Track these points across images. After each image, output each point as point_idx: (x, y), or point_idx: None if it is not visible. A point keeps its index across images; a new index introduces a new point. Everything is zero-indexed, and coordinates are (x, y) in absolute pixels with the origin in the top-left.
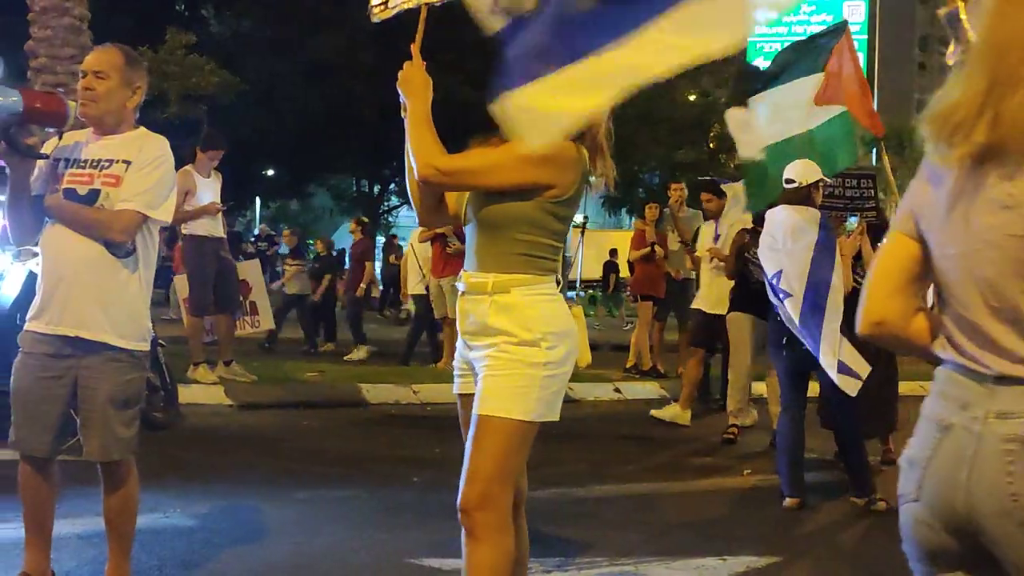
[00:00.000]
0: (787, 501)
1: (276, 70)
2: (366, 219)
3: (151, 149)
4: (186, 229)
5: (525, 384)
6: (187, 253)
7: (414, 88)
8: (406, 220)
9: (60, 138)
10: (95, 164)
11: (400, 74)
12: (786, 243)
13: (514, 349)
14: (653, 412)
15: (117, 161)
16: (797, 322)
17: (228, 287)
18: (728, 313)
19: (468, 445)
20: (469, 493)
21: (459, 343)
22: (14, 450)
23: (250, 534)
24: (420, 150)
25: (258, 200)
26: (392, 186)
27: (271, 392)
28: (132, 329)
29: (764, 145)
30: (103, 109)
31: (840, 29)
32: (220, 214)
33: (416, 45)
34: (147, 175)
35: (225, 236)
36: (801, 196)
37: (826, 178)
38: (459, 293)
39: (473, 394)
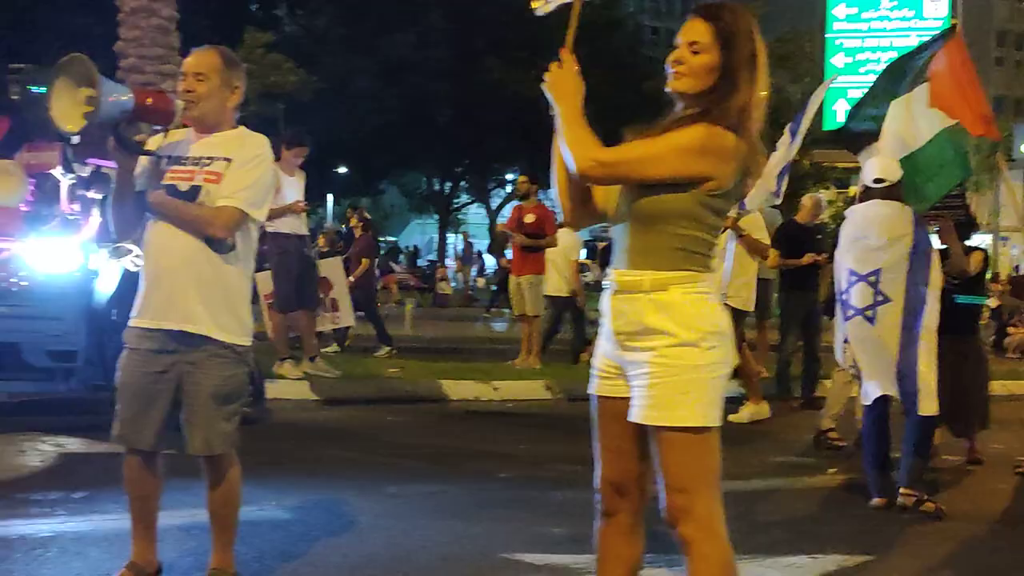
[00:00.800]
0: (874, 501)
1: (350, 68)
2: (368, 214)
3: (252, 147)
4: (270, 227)
5: (692, 389)
6: (271, 250)
7: (564, 91)
8: (475, 218)
9: (165, 135)
10: (196, 161)
11: (548, 76)
12: (881, 240)
13: (675, 352)
14: (732, 418)
15: (218, 159)
16: (895, 326)
17: (310, 284)
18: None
19: (616, 450)
20: (669, 506)
21: (605, 343)
22: (119, 444)
23: (345, 527)
24: (577, 145)
25: (330, 197)
26: (463, 183)
27: (354, 388)
28: (234, 324)
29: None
30: (204, 109)
31: (944, 35)
32: (304, 212)
33: (568, 44)
34: (248, 173)
35: (308, 234)
36: (894, 194)
37: None
38: (610, 291)
39: (615, 397)
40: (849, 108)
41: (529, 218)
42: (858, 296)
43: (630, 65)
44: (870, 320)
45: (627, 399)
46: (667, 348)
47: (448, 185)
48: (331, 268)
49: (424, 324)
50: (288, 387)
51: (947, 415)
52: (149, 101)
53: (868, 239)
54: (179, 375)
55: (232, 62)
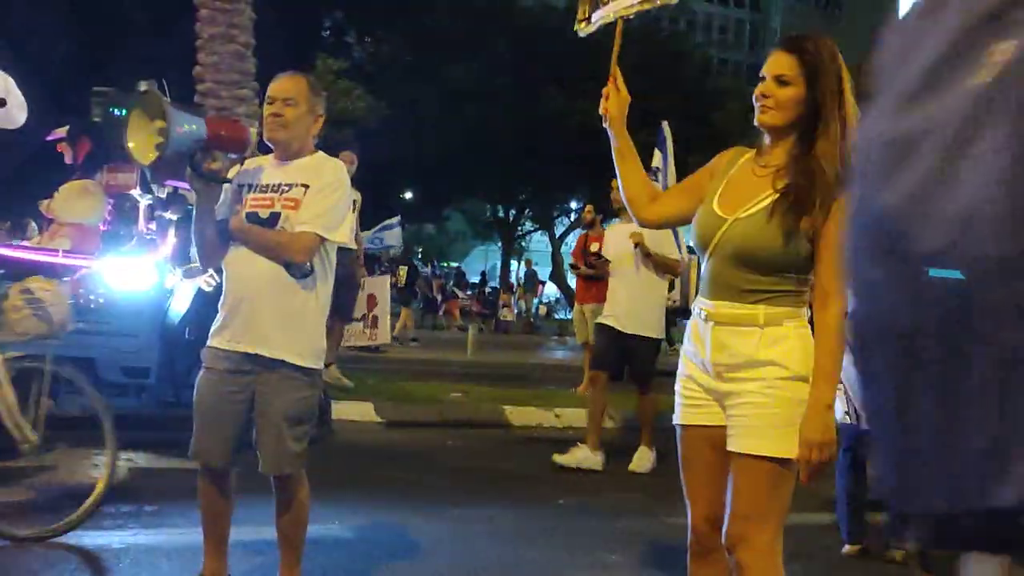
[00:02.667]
0: (846, 548)
1: (415, 95)
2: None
3: (329, 173)
4: None
5: (795, 422)
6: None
7: (614, 116)
8: (539, 245)
9: (242, 164)
10: (276, 188)
11: (603, 102)
12: None
13: (786, 384)
14: (556, 458)
15: (296, 185)
16: None
17: (347, 296)
18: None
19: (695, 479)
20: (732, 532)
21: (695, 372)
22: (194, 460)
23: (407, 547)
24: (624, 196)
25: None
26: (527, 211)
27: (417, 411)
28: (308, 348)
29: None
30: (291, 135)
31: None
32: (355, 229)
33: (613, 65)
34: (325, 198)
35: (355, 248)
36: None
37: None
38: (708, 323)
39: (708, 426)
40: None
41: (594, 246)
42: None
43: (697, 96)
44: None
45: (721, 427)
46: (780, 380)
47: (511, 212)
48: (378, 286)
49: (485, 350)
50: (352, 408)
51: None
52: (222, 132)
53: None
54: (253, 395)
55: (316, 89)
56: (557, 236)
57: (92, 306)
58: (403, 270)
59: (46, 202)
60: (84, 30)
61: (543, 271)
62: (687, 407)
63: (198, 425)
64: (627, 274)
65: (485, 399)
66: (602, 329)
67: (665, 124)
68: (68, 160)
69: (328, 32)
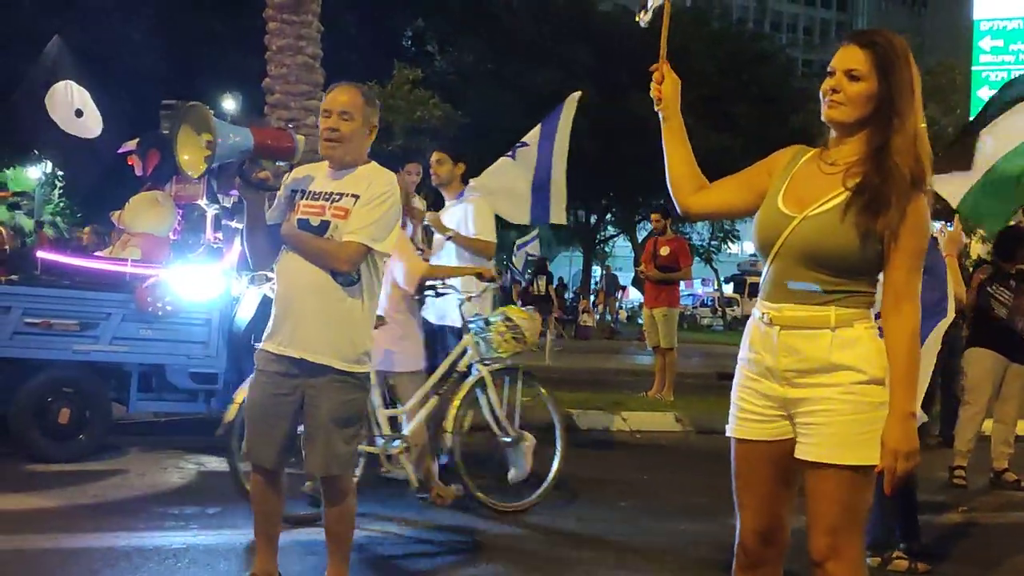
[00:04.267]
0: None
1: (497, 102)
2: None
3: (379, 184)
4: None
5: (876, 428)
6: None
7: (667, 100)
8: (622, 250)
9: (291, 170)
10: (327, 196)
11: (652, 87)
12: None
13: (863, 389)
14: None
15: (347, 195)
16: None
17: None
18: (967, 348)
19: (771, 490)
20: (822, 546)
21: (759, 382)
22: (246, 460)
23: (465, 546)
24: (669, 179)
25: None
26: (609, 216)
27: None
28: (354, 353)
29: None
30: (346, 148)
31: None
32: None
33: (662, 51)
34: (373, 209)
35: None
36: None
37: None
38: (773, 327)
39: (768, 440)
40: None
41: (664, 251)
42: None
43: (778, 98)
44: None
45: (783, 441)
46: (856, 385)
47: (593, 217)
48: None
49: (564, 356)
50: None
51: None
52: (268, 141)
53: None
54: (302, 398)
55: (371, 101)
56: (639, 241)
57: (161, 314)
58: (542, 279)
59: (117, 213)
60: (170, 43)
61: (625, 276)
62: (745, 420)
63: (250, 427)
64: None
65: (560, 403)
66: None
67: (572, 97)
68: (138, 172)
69: (409, 41)
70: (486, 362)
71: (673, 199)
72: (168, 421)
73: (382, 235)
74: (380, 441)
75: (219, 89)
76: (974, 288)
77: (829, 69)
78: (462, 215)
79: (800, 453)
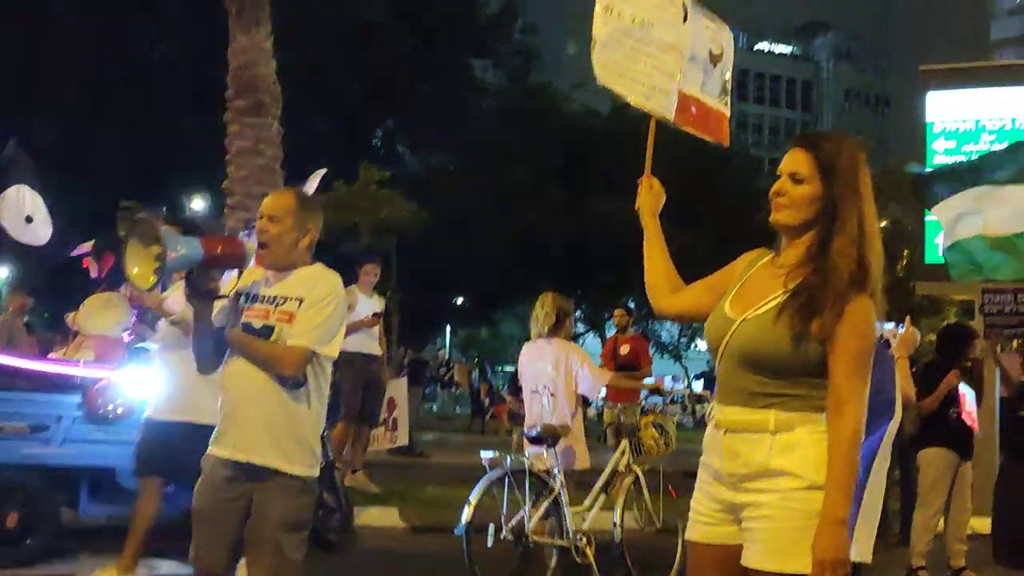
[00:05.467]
0: None
1: (466, 201)
2: None
3: (323, 287)
4: (341, 346)
5: (811, 535)
6: (339, 366)
7: (646, 211)
8: (592, 347)
9: (240, 276)
10: (272, 300)
11: (638, 197)
12: None
13: (802, 496)
14: None
15: (291, 298)
16: None
17: (370, 402)
18: (922, 449)
19: None
20: None
21: (710, 483)
22: (192, 565)
23: None
24: (647, 283)
25: (448, 328)
26: (578, 313)
27: (444, 516)
28: (301, 456)
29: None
30: (274, 251)
31: None
32: (379, 336)
33: (648, 158)
34: (318, 312)
35: (379, 354)
36: None
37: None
38: (719, 430)
39: (717, 544)
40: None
41: (624, 349)
42: None
43: (744, 197)
44: None
45: (732, 546)
46: (795, 491)
47: None
48: (397, 389)
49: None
50: (377, 514)
51: (1006, 546)
52: (219, 249)
53: None
54: (247, 503)
55: (306, 204)
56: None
57: (111, 416)
58: None
59: (72, 315)
60: (138, 142)
61: None
62: (696, 522)
63: (197, 531)
64: None
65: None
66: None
67: (317, 173)
68: (93, 274)
69: (379, 141)
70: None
71: (650, 300)
72: (119, 525)
73: (327, 338)
74: (570, 535)
75: (186, 188)
76: (941, 393)
77: (776, 172)
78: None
79: (743, 559)
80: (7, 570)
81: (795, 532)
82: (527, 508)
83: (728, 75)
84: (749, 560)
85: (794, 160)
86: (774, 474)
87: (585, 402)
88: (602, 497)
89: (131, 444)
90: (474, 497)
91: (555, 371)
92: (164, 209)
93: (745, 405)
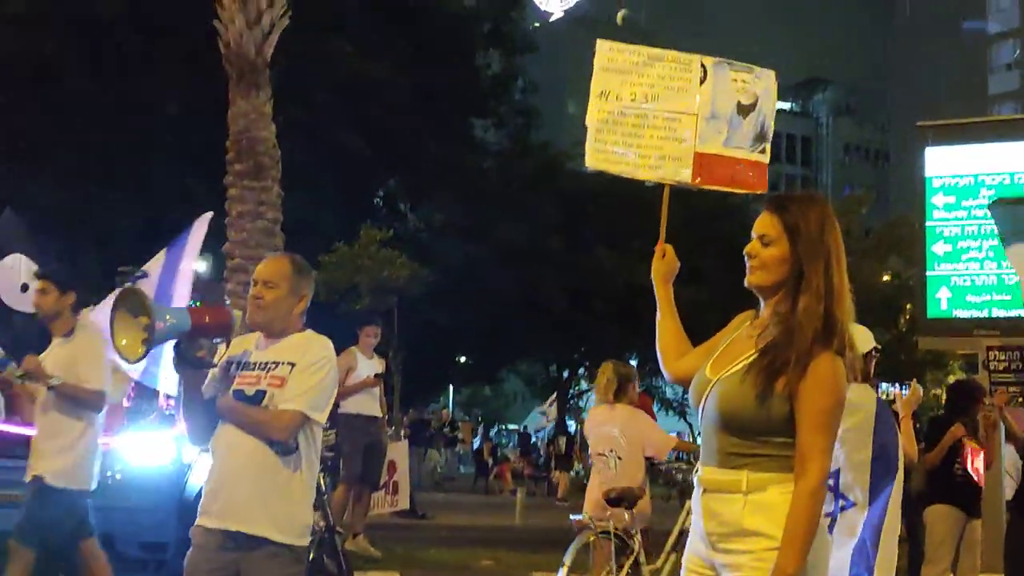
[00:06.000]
0: None
1: (467, 259)
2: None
3: (314, 352)
4: (342, 407)
5: None
6: (340, 428)
7: (654, 274)
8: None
9: (228, 345)
10: (263, 366)
11: (653, 264)
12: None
13: (773, 556)
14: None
15: (282, 363)
16: (859, 535)
17: (372, 463)
18: (927, 506)
19: None
20: None
21: (696, 542)
22: None
23: None
24: (658, 348)
25: (451, 386)
26: (581, 370)
27: None
28: (292, 525)
29: None
30: (271, 316)
31: None
32: (380, 397)
33: (662, 225)
34: (309, 376)
35: (381, 416)
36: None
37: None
38: (699, 490)
39: None
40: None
41: None
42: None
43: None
44: (829, 529)
45: None
46: (767, 551)
47: (566, 372)
48: (398, 452)
49: (536, 514)
50: None
51: None
52: (206, 319)
53: None
54: (239, 572)
55: (301, 270)
56: None
57: (110, 483)
58: (563, 439)
59: None
60: (144, 203)
61: None
62: None
63: None
64: None
65: (517, 566)
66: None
67: (203, 217)
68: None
69: (381, 200)
70: None
71: (661, 365)
72: None
73: (320, 403)
74: None
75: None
76: (944, 447)
77: (751, 234)
78: (69, 356)
79: None
80: None
81: None
82: (614, 567)
83: (766, 121)
84: None
85: (763, 222)
86: (748, 534)
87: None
88: (673, 555)
89: (129, 510)
90: (568, 558)
91: (621, 435)
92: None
93: (720, 465)
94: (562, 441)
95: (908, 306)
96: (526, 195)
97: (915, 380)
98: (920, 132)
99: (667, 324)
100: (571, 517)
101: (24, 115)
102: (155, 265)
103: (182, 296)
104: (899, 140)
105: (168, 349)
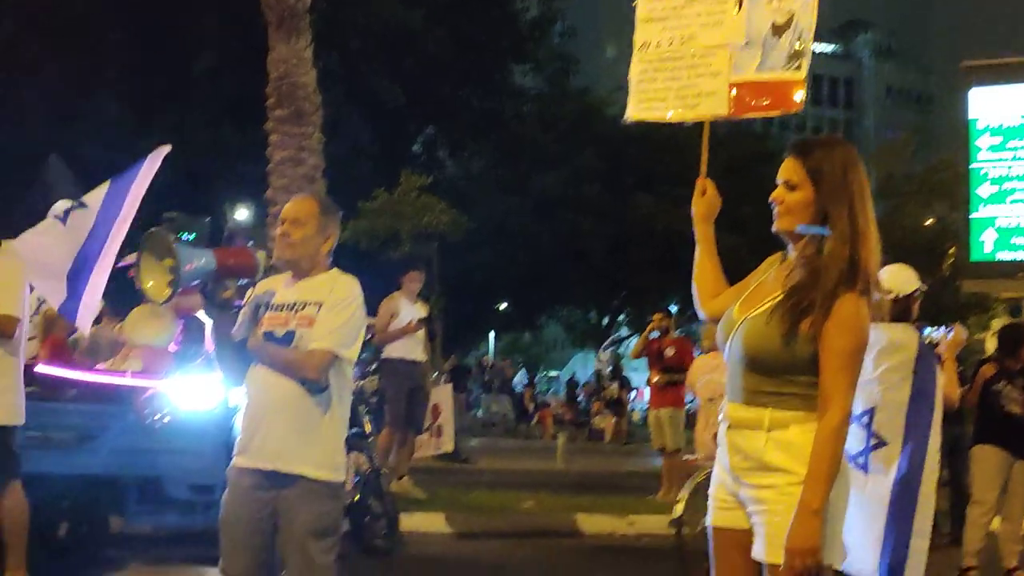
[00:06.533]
0: None
1: (506, 207)
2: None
3: (341, 290)
4: (386, 352)
5: None
6: (384, 372)
7: (699, 216)
8: None
9: (254, 287)
10: (291, 307)
11: (693, 203)
12: (877, 370)
13: (796, 490)
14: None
15: (310, 303)
16: (888, 476)
17: (417, 407)
18: (973, 446)
19: None
20: None
21: (722, 474)
22: (222, 575)
23: None
24: (693, 286)
25: (492, 333)
26: (621, 317)
27: (489, 521)
28: (327, 461)
29: None
30: (299, 254)
31: None
32: (424, 342)
33: (703, 162)
34: (337, 315)
35: (424, 360)
36: (898, 310)
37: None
38: (725, 425)
39: (734, 529)
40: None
41: (669, 351)
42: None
43: None
44: (862, 468)
45: (747, 531)
46: (790, 486)
47: (605, 319)
48: (442, 395)
49: (576, 458)
50: (423, 519)
51: None
52: (230, 261)
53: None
54: (276, 511)
55: (328, 209)
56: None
57: (158, 426)
58: (615, 384)
59: (118, 326)
60: (180, 154)
61: (640, 377)
62: (716, 509)
63: (224, 543)
64: None
65: (558, 508)
66: None
67: (158, 151)
68: (138, 285)
69: (420, 148)
70: None
71: (695, 304)
72: (167, 534)
73: (349, 341)
74: None
75: (229, 198)
76: (978, 386)
77: (776, 180)
78: None
79: (752, 553)
80: None
81: (787, 526)
82: None
83: (805, 34)
84: (756, 554)
85: (787, 168)
86: (770, 469)
87: None
88: None
89: (178, 453)
90: (684, 493)
91: None
92: (208, 219)
93: (744, 403)
94: (614, 388)
95: (951, 250)
96: (565, 141)
97: (959, 323)
98: (964, 72)
99: (705, 263)
100: (684, 457)
101: (61, 66)
102: (97, 195)
103: (122, 229)
104: (942, 81)
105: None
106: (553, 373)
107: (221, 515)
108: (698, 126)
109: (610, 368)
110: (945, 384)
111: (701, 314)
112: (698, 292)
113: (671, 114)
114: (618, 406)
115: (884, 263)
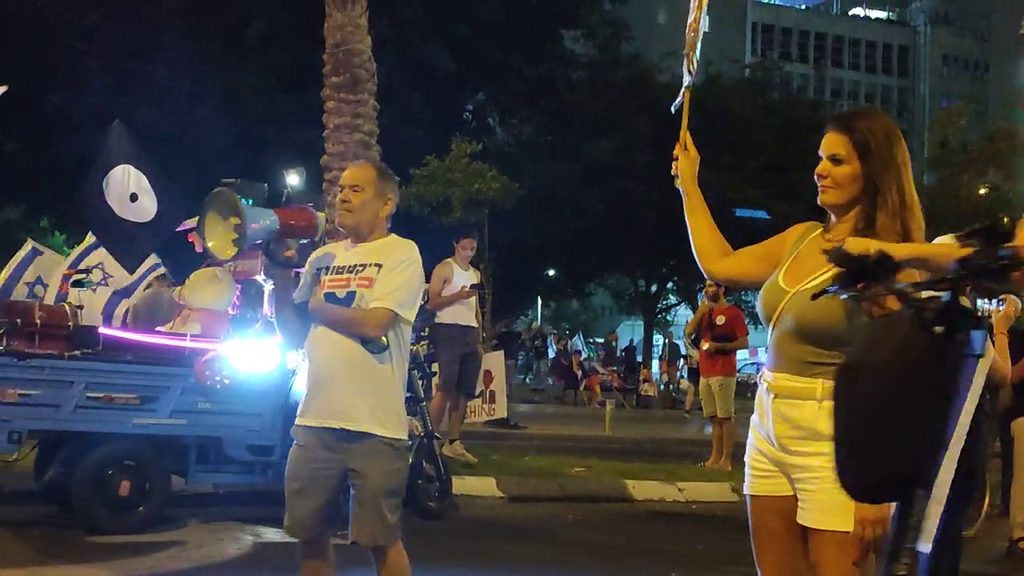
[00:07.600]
0: None
1: (556, 174)
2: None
3: (400, 253)
4: (438, 317)
5: None
6: (437, 337)
7: (681, 172)
8: (683, 319)
9: (315, 248)
10: (351, 269)
11: (675, 163)
12: None
13: None
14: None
15: (370, 265)
16: None
17: (468, 373)
18: (1014, 419)
19: (760, 552)
20: None
21: (761, 443)
22: (288, 534)
23: None
24: (695, 247)
25: (539, 300)
26: (670, 285)
27: (540, 485)
28: (392, 419)
29: None
30: (358, 219)
31: None
32: (475, 307)
33: (684, 124)
34: (396, 276)
35: (476, 326)
36: None
37: None
38: (770, 395)
39: (776, 496)
40: None
41: (720, 320)
42: None
43: None
44: None
45: (789, 497)
46: None
47: (654, 286)
48: (494, 362)
49: (625, 425)
50: (475, 483)
51: None
52: (292, 221)
53: None
54: (342, 470)
55: (386, 176)
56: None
57: (219, 387)
58: (696, 353)
59: (178, 289)
60: (236, 120)
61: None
62: (754, 477)
63: (290, 501)
64: None
65: (608, 473)
66: None
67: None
68: (198, 249)
69: (470, 115)
70: None
71: (699, 263)
72: (226, 493)
73: (408, 300)
74: None
75: (283, 164)
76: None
77: (819, 154)
78: None
79: (799, 518)
80: (120, 536)
81: (840, 492)
82: None
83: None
84: (807, 519)
85: (831, 142)
86: (822, 437)
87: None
88: None
89: (236, 414)
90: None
91: None
92: (266, 185)
93: (796, 373)
94: (695, 355)
95: (1006, 220)
96: (616, 108)
97: (1011, 295)
98: (1022, 39)
99: (701, 222)
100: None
101: (117, 33)
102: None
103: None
104: (1000, 49)
105: None
106: (600, 340)
107: (287, 473)
108: (763, 99)
109: (693, 336)
110: (998, 358)
111: (711, 274)
112: (702, 253)
113: (691, 81)
114: (696, 375)
115: (941, 232)
